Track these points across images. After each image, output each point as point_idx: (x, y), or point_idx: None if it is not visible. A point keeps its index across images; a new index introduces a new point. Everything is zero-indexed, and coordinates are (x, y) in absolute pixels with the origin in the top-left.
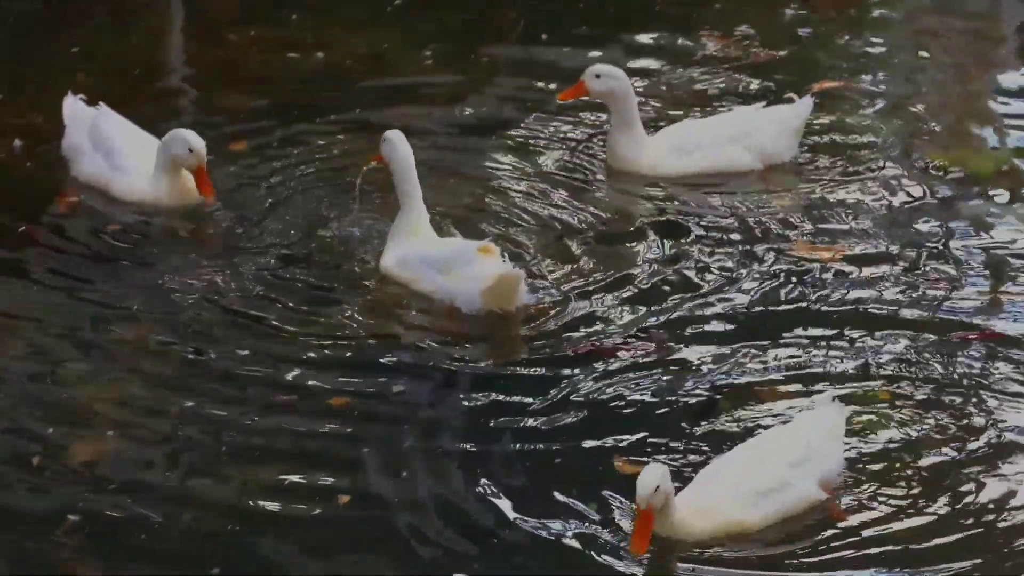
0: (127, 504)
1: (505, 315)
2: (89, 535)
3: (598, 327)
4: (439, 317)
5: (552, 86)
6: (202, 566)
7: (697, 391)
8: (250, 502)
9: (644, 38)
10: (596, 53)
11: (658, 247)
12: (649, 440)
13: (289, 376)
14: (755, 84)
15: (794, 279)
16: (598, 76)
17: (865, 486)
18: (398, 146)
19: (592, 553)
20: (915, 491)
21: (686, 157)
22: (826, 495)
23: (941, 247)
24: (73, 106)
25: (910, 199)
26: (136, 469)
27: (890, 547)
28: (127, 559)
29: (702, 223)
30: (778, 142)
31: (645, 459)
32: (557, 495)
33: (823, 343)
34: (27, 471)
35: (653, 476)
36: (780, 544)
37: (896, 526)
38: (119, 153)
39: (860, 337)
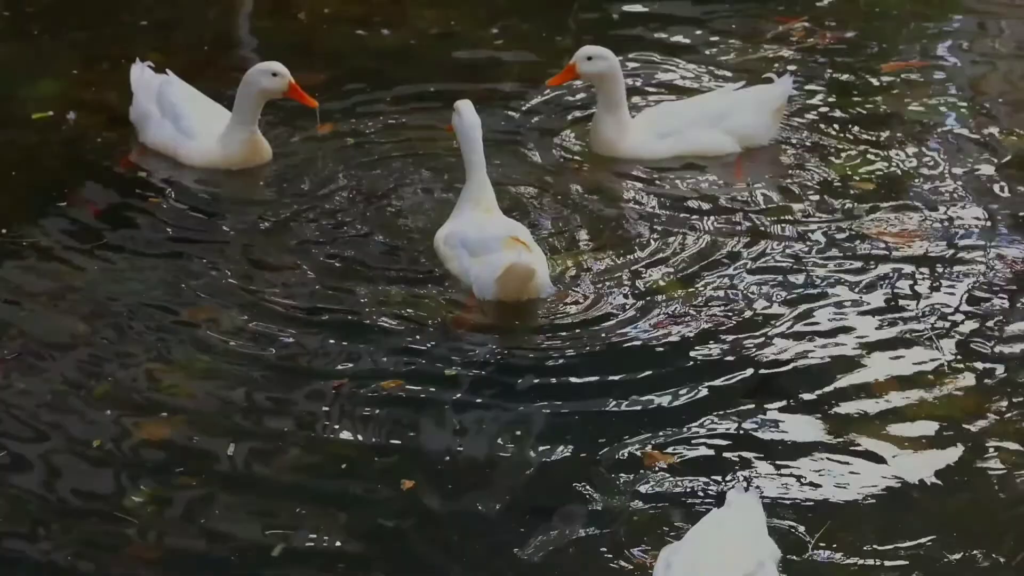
0: (191, 485)
1: (516, 305)
2: (153, 516)
3: (642, 308)
4: (460, 301)
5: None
6: (265, 547)
7: (740, 371)
8: (311, 484)
9: (710, 16)
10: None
11: (686, 229)
12: (684, 428)
13: (345, 360)
14: (817, 66)
15: (853, 258)
16: (590, 58)
17: None
18: (465, 115)
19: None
20: None
21: (665, 141)
22: None
23: (1009, 230)
24: (140, 73)
25: (979, 181)
26: (200, 451)
27: None
28: (191, 539)
29: (740, 204)
30: (756, 124)
31: (678, 451)
32: (588, 482)
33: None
34: (89, 451)
35: None
36: None
37: None
38: (186, 118)
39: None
